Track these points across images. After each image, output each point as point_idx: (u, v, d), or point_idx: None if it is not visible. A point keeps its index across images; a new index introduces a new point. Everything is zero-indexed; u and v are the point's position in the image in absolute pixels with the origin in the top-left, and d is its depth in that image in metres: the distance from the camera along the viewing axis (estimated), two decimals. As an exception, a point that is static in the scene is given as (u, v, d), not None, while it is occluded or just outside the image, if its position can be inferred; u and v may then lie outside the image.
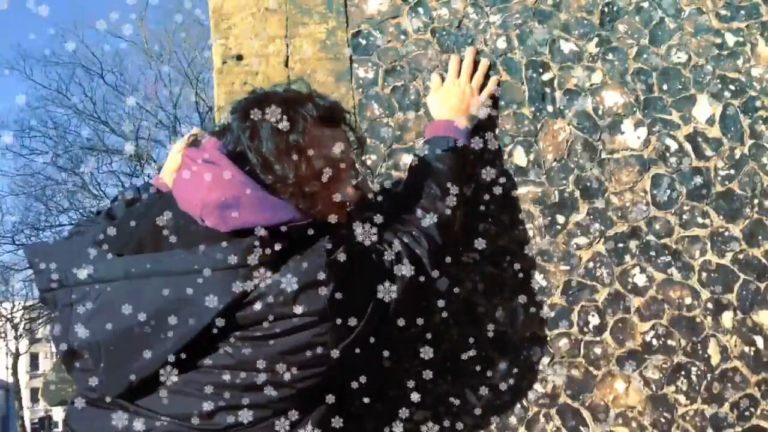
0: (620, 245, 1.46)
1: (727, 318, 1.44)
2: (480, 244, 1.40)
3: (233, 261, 0.92)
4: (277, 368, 0.95)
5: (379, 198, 1.39)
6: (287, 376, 0.95)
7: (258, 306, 0.92)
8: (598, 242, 1.46)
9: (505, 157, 1.48)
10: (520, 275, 1.45)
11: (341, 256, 0.97)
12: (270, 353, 0.94)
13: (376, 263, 1.05)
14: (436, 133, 1.35)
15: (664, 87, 1.51)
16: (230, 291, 0.92)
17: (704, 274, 1.45)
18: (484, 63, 1.49)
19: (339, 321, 0.95)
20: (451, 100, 1.42)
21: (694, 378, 1.42)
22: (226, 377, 0.94)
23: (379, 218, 1.12)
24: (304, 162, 0.99)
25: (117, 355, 0.94)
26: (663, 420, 1.41)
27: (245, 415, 0.95)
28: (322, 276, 0.94)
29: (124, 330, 0.93)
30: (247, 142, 0.99)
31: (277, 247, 0.94)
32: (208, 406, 0.94)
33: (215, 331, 0.92)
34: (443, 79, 1.48)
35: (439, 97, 1.44)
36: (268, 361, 0.94)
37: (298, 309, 0.93)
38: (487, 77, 1.49)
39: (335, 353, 0.96)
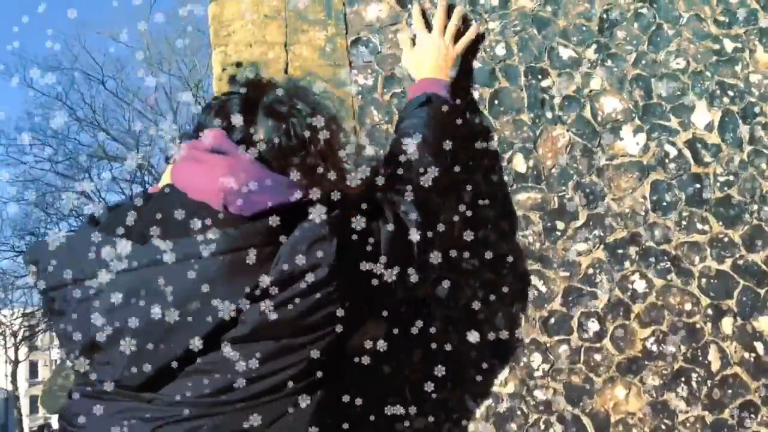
0: (620, 251, 1.46)
1: (727, 324, 1.44)
2: (484, 249, 1.40)
3: (258, 241, 0.95)
4: (291, 332, 0.97)
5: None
6: (300, 340, 0.97)
7: (274, 274, 0.95)
8: (597, 248, 1.46)
9: (505, 163, 1.48)
10: (520, 282, 1.45)
11: (338, 214, 1.01)
12: (285, 317, 0.95)
13: (367, 216, 1.08)
14: (415, 93, 1.37)
15: (663, 93, 1.51)
16: (261, 270, 0.94)
17: (704, 280, 1.45)
18: (457, 11, 1.49)
19: (346, 272, 0.98)
20: (426, 58, 1.42)
21: (694, 384, 1.42)
22: (244, 349, 0.95)
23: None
24: (313, 146, 1.04)
25: (144, 344, 0.93)
26: (663, 426, 1.41)
27: (262, 385, 0.96)
28: (325, 231, 0.97)
29: (151, 317, 0.93)
30: (261, 129, 1.03)
31: (292, 224, 0.98)
32: (224, 381, 0.95)
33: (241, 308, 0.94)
34: (413, 39, 1.48)
35: (414, 58, 1.45)
36: (283, 325, 0.95)
37: (308, 265, 0.95)
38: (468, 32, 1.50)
39: (342, 311, 0.99)
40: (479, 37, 1.51)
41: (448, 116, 1.34)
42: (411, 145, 1.25)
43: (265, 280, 0.95)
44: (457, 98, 1.42)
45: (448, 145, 1.31)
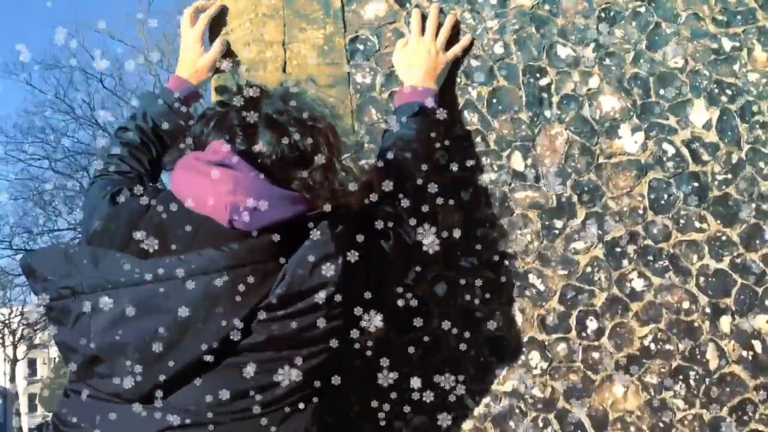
0: (618, 250, 1.46)
1: (725, 322, 1.45)
2: (482, 248, 1.41)
3: (263, 257, 0.95)
4: (294, 345, 0.97)
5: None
6: (303, 352, 0.98)
7: (279, 290, 0.95)
8: (595, 247, 1.46)
9: (503, 162, 1.48)
10: (518, 280, 1.45)
11: (341, 230, 1.01)
12: (289, 332, 0.96)
13: (368, 232, 1.09)
14: (403, 101, 1.37)
15: (661, 92, 1.51)
16: (264, 285, 0.95)
17: (702, 279, 1.46)
18: (449, 19, 1.50)
19: (350, 289, 0.99)
20: (416, 61, 1.42)
21: (692, 382, 1.42)
22: (246, 361, 0.96)
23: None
24: (315, 157, 1.03)
25: (146, 359, 0.93)
26: (662, 424, 1.41)
27: (263, 396, 0.96)
28: (331, 249, 0.98)
29: (154, 332, 0.93)
30: (263, 142, 1.02)
31: (293, 237, 0.98)
32: (226, 391, 0.95)
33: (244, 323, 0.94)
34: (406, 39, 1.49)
35: (404, 58, 1.45)
36: (287, 339, 0.96)
37: (315, 284, 0.96)
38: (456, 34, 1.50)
39: (345, 325, 1.00)
40: (470, 43, 1.52)
41: (436, 126, 1.35)
42: (404, 158, 1.25)
43: (270, 296, 0.95)
44: (445, 108, 1.43)
45: (438, 154, 1.33)
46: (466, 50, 1.51)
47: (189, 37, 1.48)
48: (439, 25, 1.49)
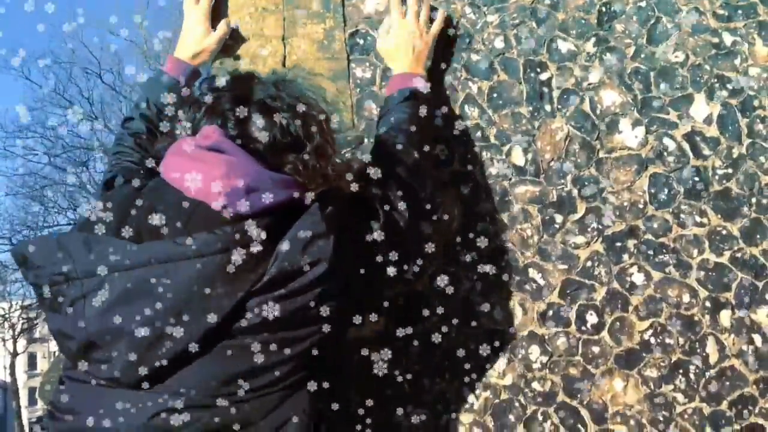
0: (618, 244, 1.46)
1: (725, 316, 1.45)
2: (482, 242, 1.42)
3: (259, 239, 0.95)
4: (289, 326, 0.97)
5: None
6: (298, 333, 0.98)
7: (273, 271, 0.95)
8: (595, 241, 1.46)
9: (503, 156, 1.48)
10: (518, 274, 1.45)
11: (332, 210, 1.01)
12: (284, 313, 0.96)
13: (359, 213, 1.09)
14: (394, 89, 1.37)
15: (662, 86, 1.51)
16: (258, 268, 0.95)
17: (702, 273, 1.46)
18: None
19: (343, 268, 0.99)
20: (401, 45, 1.42)
21: (692, 376, 1.43)
22: (242, 344, 0.96)
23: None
24: (307, 141, 1.03)
25: (142, 342, 0.93)
26: (661, 418, 1.41)
27: (259, 379, 0.96)
28: (323, 228, 0.98)
29: (149, 316, 0.93)
30: (256, 127, 1.02)
31: (287, 221, 0.98)
32: (222, 374, 0.95)
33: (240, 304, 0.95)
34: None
35: (390, 44, 1.44)
36: (282, 320, 0.96)
37: (308, 262, 0.96)
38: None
39: (339, 306, 1.00)
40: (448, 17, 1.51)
41: (429, 108, 1.35)
42: (398, 141, 1.25)
43: (264, 276, 0.95)
44: (444, 103, 1.45)
45: (438, 148, 1.32)
46: (449, 23, 1.50)
47: (192, 15, 1.47)
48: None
